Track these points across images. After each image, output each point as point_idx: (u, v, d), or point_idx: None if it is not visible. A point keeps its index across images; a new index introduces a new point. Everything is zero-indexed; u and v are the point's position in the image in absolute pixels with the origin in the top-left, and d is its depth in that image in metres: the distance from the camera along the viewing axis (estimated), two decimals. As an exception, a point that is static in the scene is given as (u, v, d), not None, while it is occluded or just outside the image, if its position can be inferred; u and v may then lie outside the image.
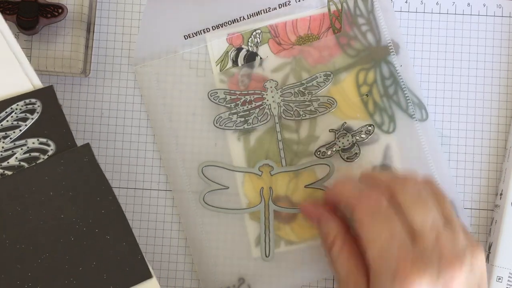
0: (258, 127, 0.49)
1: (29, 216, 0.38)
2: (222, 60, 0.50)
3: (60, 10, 0.47)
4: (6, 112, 0.39)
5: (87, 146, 0.39)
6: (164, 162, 0.49)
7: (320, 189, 0.48)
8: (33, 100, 0.39)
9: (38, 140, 0.39)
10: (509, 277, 0.47)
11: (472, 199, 0.50)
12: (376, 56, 0.49)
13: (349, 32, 0.50)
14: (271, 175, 0.48)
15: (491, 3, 0.51)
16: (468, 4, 0.51)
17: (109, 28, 0.50)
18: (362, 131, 0.49)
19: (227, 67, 0.50)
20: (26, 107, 0.39)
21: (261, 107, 0.49)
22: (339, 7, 0.50)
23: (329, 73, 0.49)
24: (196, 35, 0.50)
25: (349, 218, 0.42)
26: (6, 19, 0.47)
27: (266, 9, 0.50)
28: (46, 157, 0.39)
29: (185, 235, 0.49)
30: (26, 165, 0.39)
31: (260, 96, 0.49)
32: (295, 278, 0.48)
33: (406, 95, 0.49)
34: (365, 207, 0.40)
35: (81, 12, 0.49)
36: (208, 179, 0.48)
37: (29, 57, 0.48)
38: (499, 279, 0.47)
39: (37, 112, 0.39)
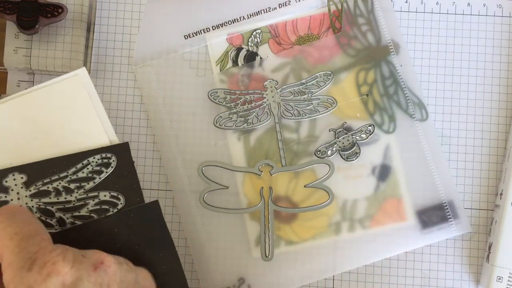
0: (258, 127, 0.49)
1: None
2: (222, 60, 0.50)
3: (60, 10, 0.47)
4: (82, 164, 0.40)
5: (156, 203, 0.40)
6: (164, 162, 0.49)
7: (321, 188, 0.48)
8: (108, 155, 0.40)
9: (109, 193, 0.40)
10: (509, 277, 0.47)
11: (472, 199, 0.50)
12: (376, 56, 0.49)
13: (349, 32, 0.50)
14: (271, 175, 0.48)
15: (491, 3, 0.51)
16: (468, 4, 0.51)
17: (109, 28, 0.50)
18: (362, 131, 0.49)
19: (227, 67, 0.49)
20: (102, 161, 0.40)
21: (261, 107, 0.49)
22: (339, 7, 0.50)
23: (329, 72, 0.49)
24: (196, 35, 0.50)
25: None
26: (6, 19, 0.47)
27: (266, 9, 0.50)
28: (115, 210, 0.40)
29: (185, 235, 0.49)
30: (95, 216, 0.39)
31: (260, 95, 0.49)
32: (295, 278, 0.48)
33: (406, 95, 0.49)
34: None
35: (81, 12, 0.49)
36: (208, 179, 0.48)
37: (29, 57, 0.48)
38: (499, 279, 0.47)
39: (112, 167, 0.40)
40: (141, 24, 0.50)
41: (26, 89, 0.49)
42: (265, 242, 0.48)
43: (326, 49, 0.49)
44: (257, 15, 0.50)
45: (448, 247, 0.49)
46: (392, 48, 0.50)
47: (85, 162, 0.40)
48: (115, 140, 0.41)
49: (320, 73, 0.49)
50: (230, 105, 0.49)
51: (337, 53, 0.50)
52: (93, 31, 0.50)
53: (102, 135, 0.41)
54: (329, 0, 0.50)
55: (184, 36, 0.50)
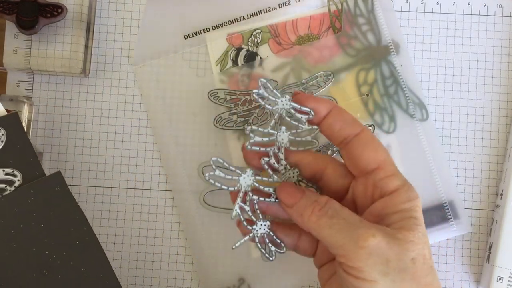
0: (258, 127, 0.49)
1: None
2: (222, 60, 0.50)
3: (59, 10, 0.47)
4: None
5: (58, 175, 0.37)
6: (164, 162, 0.49)
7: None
8: None
9: (3, 171, 0.37)
10: (509, 277, 0.47)
11: (472, 199, 0.50)
12: (376, 56, 0.49)
13: (349, 31, 0.50)
14: (271, 175, 0.48)
15: (492, 3, 0.51)
16: (469, 4, 0.51)
17: (109, 28, 0.50)
18: (362, 131, 0.49)
19: (227, 67, 0.49)
20: None
21: (261, 107, 0.49)
22: (339, 6, 0.50)
23: (329, 72, 0.49)
24: (196, 35, 0.50)
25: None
26: (6, 19, 0.47)
27: (266, 9, 0.50)
28: (13, 188, 0.37)
29: (185, 235, 0.49)
30: None
31: (260, 96, 0.49)
32: (295, 278, 0.48)
33: (407, 95, 0.49)
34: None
35: (81, 12, 0.49)
36: (208, 179, 0.48)
37: (29, 57, 0.48)
38: (500, 279, 0.47)
39: (1, 141, 0.37)
40: (141, 24, 0.50)
41: (25, 89, 0.50)
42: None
43: (326, 49, 0.49)
44: (257, 15, 0.50)
45: (448, 247, 0.49)
46: (392, 48, 0.49)
47: None
48: (2, 111, 0.37)
49: (320, 73, 0.49)
50: (230, 105, 0.48)
51: (337, 53, 0.49)
52: (93, 31, 0.50)
53: None
54: (329, 0, 0.50)
55: (184, 36, 0.50)
